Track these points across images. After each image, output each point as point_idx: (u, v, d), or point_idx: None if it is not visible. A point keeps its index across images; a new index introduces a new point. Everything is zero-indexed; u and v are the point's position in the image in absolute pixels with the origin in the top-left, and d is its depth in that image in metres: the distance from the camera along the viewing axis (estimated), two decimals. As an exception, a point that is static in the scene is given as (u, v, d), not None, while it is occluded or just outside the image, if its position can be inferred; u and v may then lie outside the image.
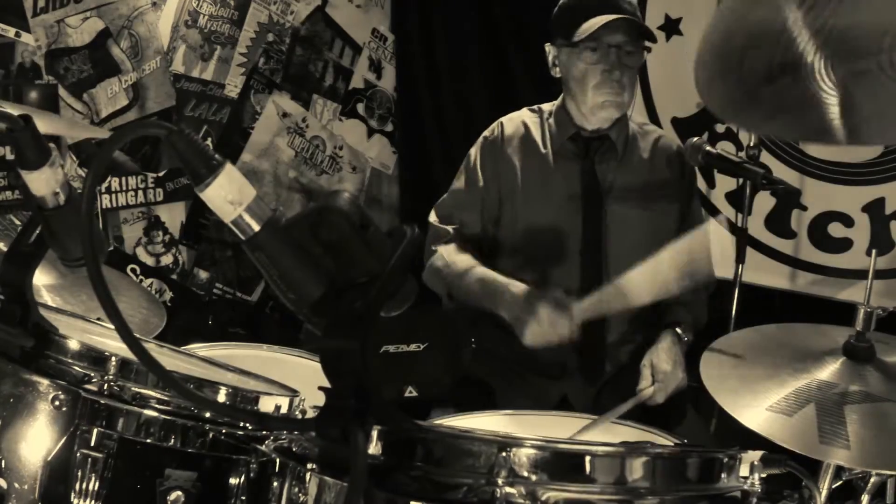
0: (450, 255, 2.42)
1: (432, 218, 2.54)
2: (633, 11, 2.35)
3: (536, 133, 2.49)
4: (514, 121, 2.54)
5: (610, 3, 2.31)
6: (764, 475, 1.29)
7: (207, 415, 1.37)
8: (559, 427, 1.87)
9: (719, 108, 1.52)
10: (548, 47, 2.44)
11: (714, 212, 3.35)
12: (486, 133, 2.55)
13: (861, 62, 1.34)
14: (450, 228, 2.49)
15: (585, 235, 2.42)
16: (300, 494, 1.24)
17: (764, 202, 3.21)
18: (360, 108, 4.30)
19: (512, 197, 2.47)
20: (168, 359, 1.66)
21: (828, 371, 1.73)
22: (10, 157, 3.28)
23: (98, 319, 1.66)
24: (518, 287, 2.26)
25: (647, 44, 2.38)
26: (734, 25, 1.44)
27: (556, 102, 2.51)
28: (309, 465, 1.22)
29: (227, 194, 0.99)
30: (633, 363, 2.37)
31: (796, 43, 1.35)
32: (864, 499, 1.81)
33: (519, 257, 2.49)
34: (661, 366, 2.25)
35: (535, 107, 2.56)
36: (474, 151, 2.54)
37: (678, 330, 2.34)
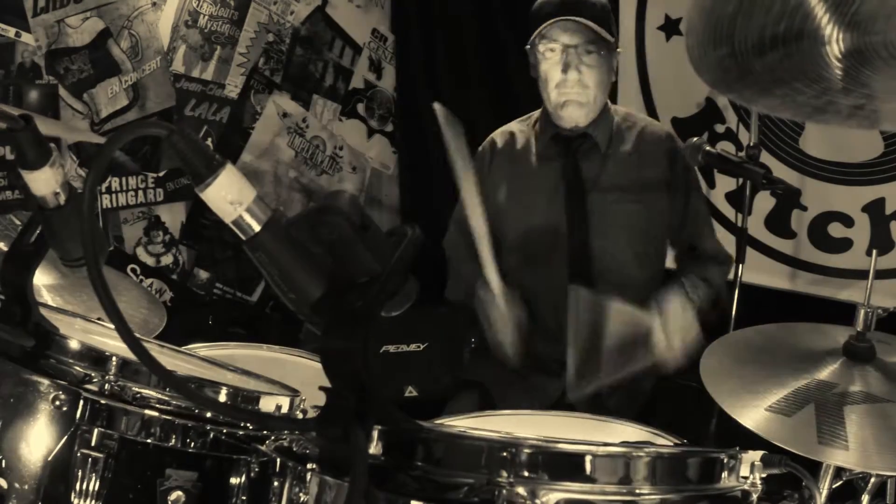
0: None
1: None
2: (594, 13, 2.37)
3: (522, 139, 2.57)
4: (503, 133, 2.63)
5: (568, 6, 2.36)
6: (764, 475, 1.29)
7: (208, 415, 1.37)
8: (560, 427, 1.87)
9: (712, 81, 1.47)
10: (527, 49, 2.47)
11: (714, 212, 3.35)
12: (478, 149, 2.64)
13: (873, 35, 1.28)
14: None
15: (571, 233, 2.45)
16: (301, 494, 1.24)
17: (764, 202, 3.21)
18: (360, 108, 4.29)
19: (502, 204, 2.54)
20: (169, 359, 1.66)
21: (827, 371, 1.72)
22: (10, 157, 3.28)
23: (98, 319, 1.66)
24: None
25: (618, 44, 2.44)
26: None
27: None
28: (309, 465, 1.22)
29: (228, 194, 0.99)
30: None
31: (799, 10, 1.29)
32: (865, 499, 1.81)
33: (515, 259, 2.53)
34: (667, 305, 2.23)
35: (525, 116, 2.63)
36: None
37: (684, 282, 2.35)
